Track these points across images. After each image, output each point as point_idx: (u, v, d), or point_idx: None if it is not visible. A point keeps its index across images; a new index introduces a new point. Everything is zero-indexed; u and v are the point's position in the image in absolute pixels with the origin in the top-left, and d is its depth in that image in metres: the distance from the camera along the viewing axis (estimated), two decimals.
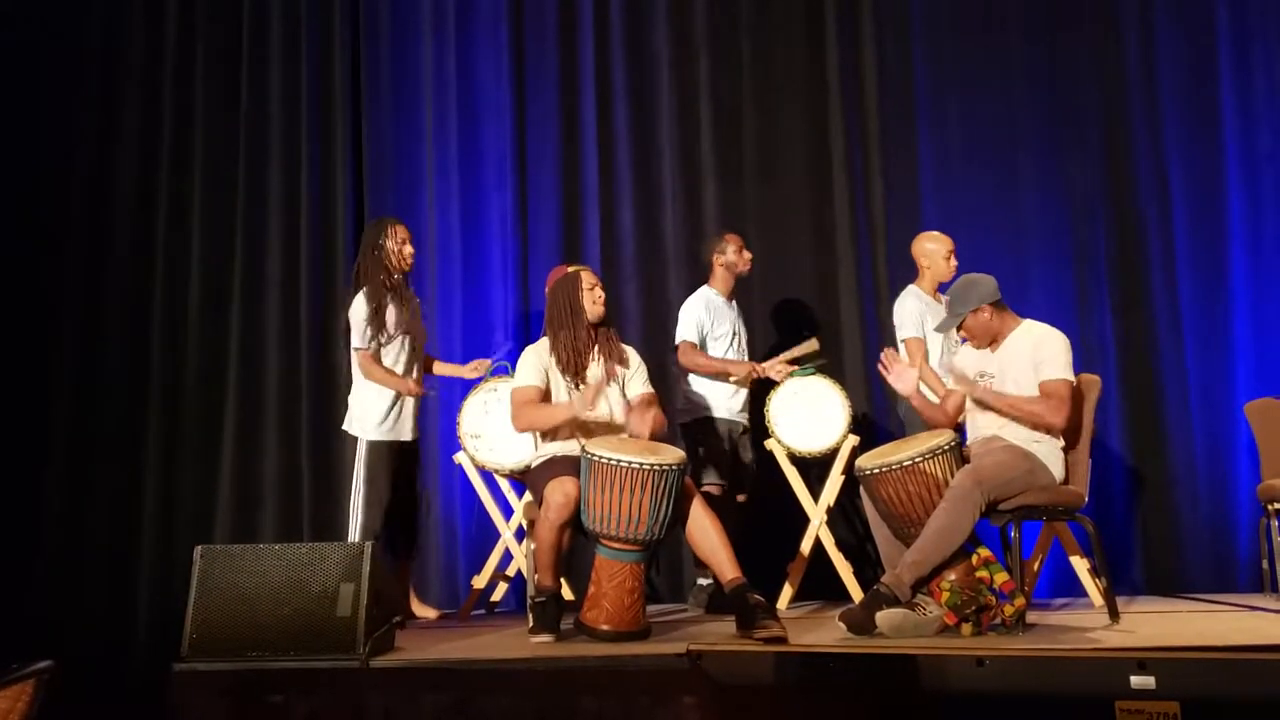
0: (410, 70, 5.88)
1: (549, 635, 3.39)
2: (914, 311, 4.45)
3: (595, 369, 3.73)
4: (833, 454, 4.46)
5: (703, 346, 4.52)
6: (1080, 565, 4.21)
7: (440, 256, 5.65)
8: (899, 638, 3.14)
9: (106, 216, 5.87)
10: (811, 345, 4.58)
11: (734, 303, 4.71)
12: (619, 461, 3.31)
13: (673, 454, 3.41)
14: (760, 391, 4.58)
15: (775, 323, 5.42)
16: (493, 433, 4.52)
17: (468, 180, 5.73)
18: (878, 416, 5.18)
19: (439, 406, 5.12)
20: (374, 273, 4.32)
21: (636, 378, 3.84)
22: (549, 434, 3.70)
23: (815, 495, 4.49)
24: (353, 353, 4.28)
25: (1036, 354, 3.51)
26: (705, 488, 4.33)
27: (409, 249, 4.40)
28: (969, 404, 3.68)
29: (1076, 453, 3.57)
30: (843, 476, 4.46)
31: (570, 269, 3.93)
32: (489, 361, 4.64)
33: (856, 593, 4.22)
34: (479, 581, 4.63)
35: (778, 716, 2.92)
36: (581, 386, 3.66)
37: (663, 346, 5.18)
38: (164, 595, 5.31)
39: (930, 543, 3.26)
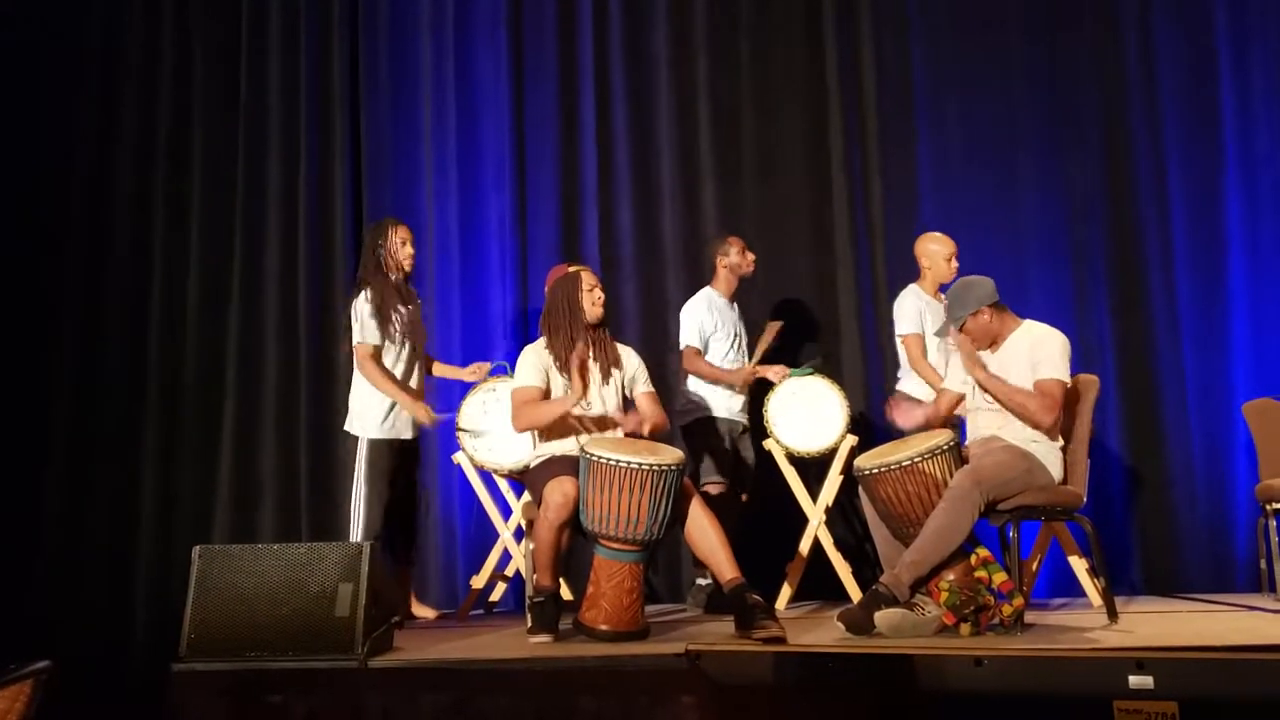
0: (409, 67, 5.88)
1: (547, 635, 3.39)
2: (913, 309, 4.47)
3: (592, 369, 3.73)
4: (831, 454, 4.46)
5: (705, 348, 4.53)
6: (1079, 565, 4.22)
7: (439, 255, 5.65)
8: (897, 638, 3.14)
9: (106, 216, 5.88)
10: (774, 328, 4.57)
11: (735, 304, 4.71)
12: (618, 461, 3.31)
13: (672, 454, 3.41)
14: (760, 391, 4.59)
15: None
16: (492, 433, 4.53)
17: (466, 178, 5.73)
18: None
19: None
20: (376, 273, 4.33)
21: (639, 377, 3.85)
22: (547, 434, 3.70)
23: (814, 495, 4.49)
24: (353, 348, 4.28)
25: (1034, 354, 3.51)
26: (706, 487, 4.34)
27: (410, 250, 4.40)
28: (967, 405, 3.69)
29: (1075, 453, 3.57)
30: (841, 476, 4.46)
31: (571, 269, 3.93)
32: (488, 365, 4.65)
33: (855, 593, 4.22)
34: (477, 581, 4.63)
35: (776, 716, 2.91)
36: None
37: (662, 346, 5.18)
38: (162, 595, 5.32)
39: (929, 543, 3.26)
